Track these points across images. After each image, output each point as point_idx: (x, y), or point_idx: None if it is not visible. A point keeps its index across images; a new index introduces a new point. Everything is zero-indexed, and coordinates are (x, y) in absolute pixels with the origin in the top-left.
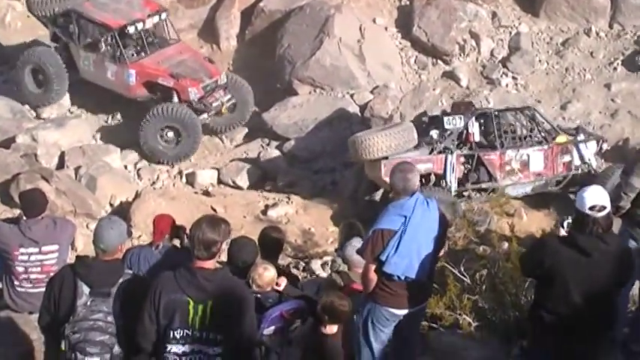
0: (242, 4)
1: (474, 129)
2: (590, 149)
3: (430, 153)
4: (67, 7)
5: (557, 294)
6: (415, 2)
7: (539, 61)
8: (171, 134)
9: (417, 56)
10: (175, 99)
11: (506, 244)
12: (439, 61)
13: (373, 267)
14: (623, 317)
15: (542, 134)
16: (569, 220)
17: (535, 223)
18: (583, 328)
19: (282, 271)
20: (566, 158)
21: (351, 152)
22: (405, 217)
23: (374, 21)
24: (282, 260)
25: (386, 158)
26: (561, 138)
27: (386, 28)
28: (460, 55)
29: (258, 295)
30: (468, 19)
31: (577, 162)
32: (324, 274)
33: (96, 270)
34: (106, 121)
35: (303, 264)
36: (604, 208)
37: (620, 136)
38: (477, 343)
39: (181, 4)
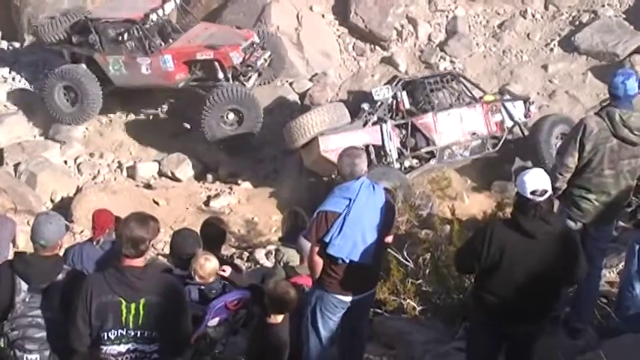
0: None
1: (403, 97)
2: (518, 109)
3: (364, 125)
4: (81, 17)
5: (502, 277)
6: None
7: (477, 44)
8: (232, 116)
9: (354, 43)
10: (220, 72)
11: (448, 228)
12: (377, 47)
13: (317, 249)
14: (564, 297)
15: (470, 96)
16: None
17: (477, 205)
18: (526, 310)
19: (225, 262)
20: (498, 117)
21: (288, 140)
22: (350, 199)
23: (311, 9)
24: (226, 251)
25: (322, 134)
26: (488, 97)
27: (323, 16)
28: (398, 40)
29: (202, 287)
30: (405, 5)
31: (509, 122)
32: (268, 264)
33: (35, 266)
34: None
35: (247, 254)
36: (545, 191)
37: None
38: (422, 326)
39: None
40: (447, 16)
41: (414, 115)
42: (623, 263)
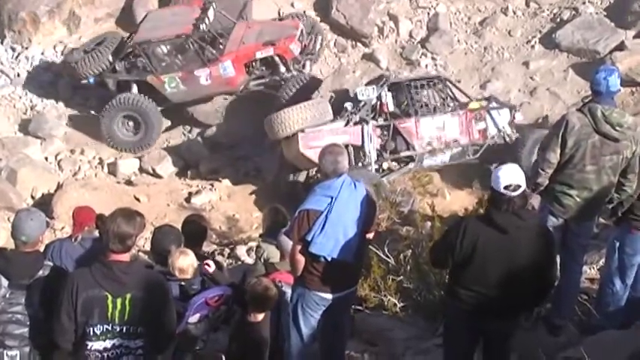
0: None
1: (388, 99)
2: (503, 117)
3: (346, 125)
4: (126, 43)
5: (475, 272)
6: None
7: (458, 40)
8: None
9: (336, 39)
10: (281, 66)
11: (429, 224)
12: (358, 44)
13: (299, 247)
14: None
15: (455, 102)
16: None
17: (458, 202)
18: (500, 306)
19: (206, 259)
20: (481, 125)
21: (269, 132)
22: (332, 197)
23: (292, 5)
24: (207, 247)
25: (302, 131)
26: (474, 104)
27: (304, 12)
28: (379, 36)
29: (182, 283)
30: (386, 1)
31: (492, 130)
32: (249, 260)
33: (15, 262)
34: (25, 113)
35: (228, 250)
36: (519, 187)
37: (540, 113)
38: (403, 323)
39: None
40: (428, 13)
41: (396, 118)
42: (603, 260)
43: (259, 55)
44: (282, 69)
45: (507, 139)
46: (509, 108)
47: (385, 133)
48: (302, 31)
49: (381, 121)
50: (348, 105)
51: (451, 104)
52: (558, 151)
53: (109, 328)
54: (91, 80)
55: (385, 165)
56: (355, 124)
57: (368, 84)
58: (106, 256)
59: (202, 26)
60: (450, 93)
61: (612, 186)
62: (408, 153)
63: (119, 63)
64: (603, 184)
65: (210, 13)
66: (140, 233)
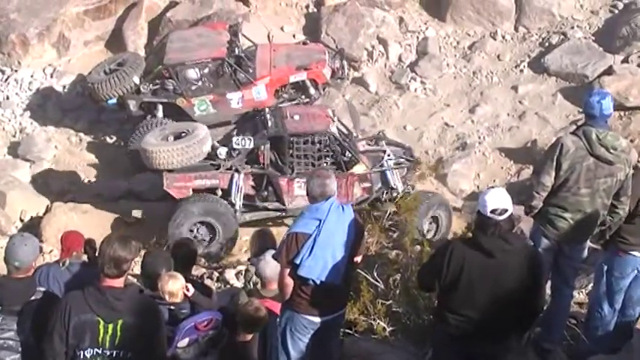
0: (149, 14)
1: (266, 150)
2: (396, 175)
3: (218, 168)
4: (160, 65)
5: (462, 296)
6: (322, 9)
7: (447, 65)
8: None
9: None
10: (311, 89)
11: (418, 248)
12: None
13: (287, 271)
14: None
15: (342, 159)
16: None
17: None
18: (488, 330)
19: (195, 282)
20: (366, 184)
21: (142, 157)
22: (320, 220)
23: (282, 29)
24: (196, 271)
25: (170, 171)
26: (359, 168)
27: (294, 36)
28: (368, 60)
29: (172, 307)
30: (376, 25)
31: (377, 186)
32: (238, 284)
33: (7, 288)
34: (14, 135)
35: (217, 274)
36: (505, 211)
37: (529, 137)
38: (393, 347)
39: (88, 16)
40: (417, 37)
41: (273, 168)
42: (592, 284)
43: (292, 79)
44: (312, 90)
45: (395, 194)
46: (407, 168)
47: (258, 181)
48: (326, 54)
49: (256, 169)
50: (222, 150)
51: (333, 164)
52: (553, 174)
53: (100, 352)
54: (112, 102)
55: (249, 216)
56: (227, 169)
57: (243, 116)
58: (100, 281)
59: (237, 49)
60: (339, 152)
61: (605, 208)
62: (277, 206)
63: (145, 84)
64: (597, 207)
65: (240, 37)
66: (135, 258)
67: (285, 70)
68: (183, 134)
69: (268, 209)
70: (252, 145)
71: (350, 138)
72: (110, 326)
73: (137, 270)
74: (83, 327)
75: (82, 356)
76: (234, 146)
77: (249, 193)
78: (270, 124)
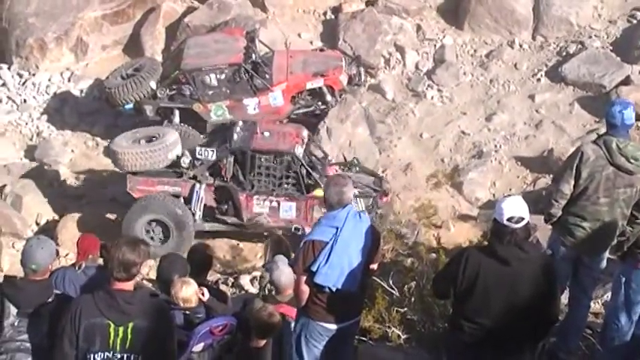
0: (167, 19)
1: (229, 164)
2: (359, 203)
3: (180, 176)
4: (177, 71)
5: (477, 303)
6: (340, 16)
7: (464, 73)
8: None
9: None
10: (328, 95)
11: (434, 256)
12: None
13: (304, 278)
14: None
15: (304, 181)
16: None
17: (462, 234)
18: (504, 339)
19: (210, 288)
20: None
21: (111, 159)
22: (337, 228)
23: (299, 35)
24: (211, 276)
25: (134, 173)
26: (320, 192)
27: (311, 43)
28: (385, 68)
29: (187, 312)
30: (393, 32)
31: None
32: (253, 290)
33: (25, 290)
34: (31, 139)
35: (232, 280)
36: (522, 219)
37: (545, 146)
38: (407, 354)
39: (106, 21)
40: (434, 45)
41: (235, 183)
42: (608, 294)
43: (309, 85)
44: (329, 97)
45: None
46: (372, 197)
47: (220, 194)
48: (342, 60)
49: (218, 181)
50: (185, 159)
51: (294, 186)
52: (572, 182)
53: (110, 355)
54: (128, 107)
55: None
56: (189, 178)
57: (213, 130)
58: (110, 284)
59: (254, 55)
60: (302, 175)
61: (625, 219)
62: (235, 221)
63: (162, 90)
64: (615, 217)
65: (257, 43)
66: (144, 261)
67: (302, 77)
68: (154, 138)
69: (227, 223)
70: (214, 157)
71: (322, 162)
72: (121, 329)
73: (153, 275)
74: (93, 330)
75: (92, 359)
76: (197, 156)
77: (211, 205)
78: (235, 137)
